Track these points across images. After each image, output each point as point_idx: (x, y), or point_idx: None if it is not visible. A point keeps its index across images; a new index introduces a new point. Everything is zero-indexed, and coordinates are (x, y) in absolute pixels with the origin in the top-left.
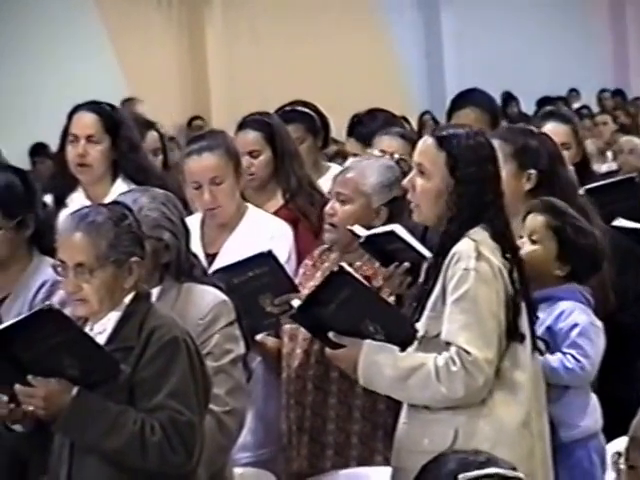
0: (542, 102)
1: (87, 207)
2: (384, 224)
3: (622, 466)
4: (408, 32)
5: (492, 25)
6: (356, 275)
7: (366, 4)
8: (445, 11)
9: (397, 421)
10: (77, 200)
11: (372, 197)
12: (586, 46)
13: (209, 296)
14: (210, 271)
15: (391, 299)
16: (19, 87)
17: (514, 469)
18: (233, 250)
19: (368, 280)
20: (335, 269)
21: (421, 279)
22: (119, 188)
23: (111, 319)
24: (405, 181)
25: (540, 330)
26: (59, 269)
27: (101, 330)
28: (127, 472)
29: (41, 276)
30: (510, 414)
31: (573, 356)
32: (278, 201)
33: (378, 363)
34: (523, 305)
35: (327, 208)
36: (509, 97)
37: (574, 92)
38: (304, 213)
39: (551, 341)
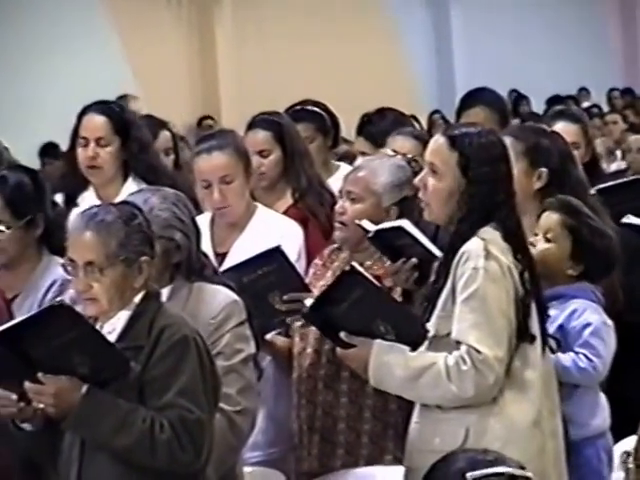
0: (552, 101)
1: (96, 206)
2: None
3: (631, 465)
4: (418, 31)
5: (501, 24)
6: (367, 275)
7: (375, 4)
8: (455, 10)
9: (408, 421)
10: (88, 199)
11: (383, 196)
12: (596, 45)
13: (220, 296)
14: (220, 270)
15: (398, 292)
16: (27, 86)
17: (522, 468)
18: (243, 249)
19: (379, 279)
20: (346, 269)
21: (432, 278)
22: (130, 188)
23: (121, 318)
24: (417, 180)
25: (552, 328)
26: (69, 268)
27: (111, 329)
28: (136, 471)
29: (51, 275)
30: (521, 413)
31: (586, 356)
32: (287, 200)
33: (388, 363)
34: (533, 305)
35: (337, 207)
36: (520, 96)
37: (584, 91)
38: (313, 212)
39: (563, 340)
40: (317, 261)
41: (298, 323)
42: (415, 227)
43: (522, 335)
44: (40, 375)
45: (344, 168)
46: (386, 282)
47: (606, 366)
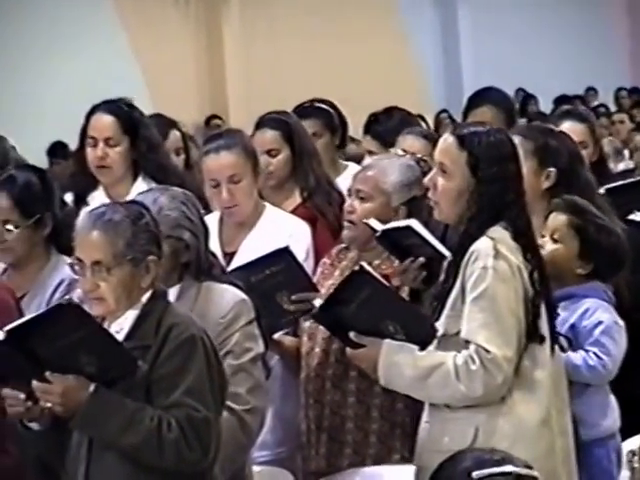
0: (559, 101)
1: (104, 206)
2: None
3: (636, 465)
4: (425, 31)
5: (509, 24)
6: (376, 275)
7: (383, 3)
8: (462, 10)
9: (415, 420)
10: (98, 199)
11: (392, 196)
12: (603, 44)
13: (229, 295)
14: (228, 269)
15: (405, 292)
16: (34, 85)
17: (529, 467)
18: (251, 249)
19: (387, 279)
20: (356, 269)
21: (441, 278)
22: (140, 187)
23: (128, 318)
24: (426, 179)
25: (564, 328)
26: (76, 267)
27: (118, 329)
28: (144, 469)
29: (59, 275)
30: (529, 412)
31: (596, 354)
32: (296, 200)
33: (398, 363)
34: (543, 305)
35: (346, 205)
36: (528, 96)
37: (592, 91)
38: (322, 212)
39: (574, 339)
40: (325, 260)
41: (307, 323)
42: (424, 227)
43: (531, 335)
44: (48, 374)
45: (352, 167)
46: (394, 281)
47: (616, 365)
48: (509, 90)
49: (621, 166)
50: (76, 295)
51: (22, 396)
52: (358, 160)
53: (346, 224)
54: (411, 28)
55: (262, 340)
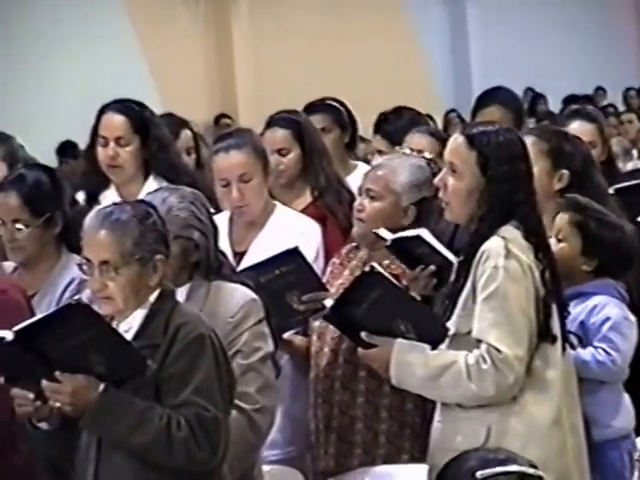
0: (568, 100)
1: (111, 205)
2: (412, 224)
3: None
4: (434, 30)
5: (518, 23)
6: (387, 275)
7: (393, 3)
8: (471, 9)
9: (424, 420)
10: (110, 198)
11: (401, 196)
12: (612, 44)
13: (238, 294)
14: (238, 269)
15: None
16: (43, 84)
17: (534, 467)
18: (261, 248)
19: (397, 279)
20: (366, 269)
21: (452, 278)
22: (151, 187)
23: (136, 317)
24: (437, 180)
25: (574, 325)
26: (84, 267)
27: (127, 328)
28: (153, 469)
29: (69, 274)
30: (541, 411)
31: (604, 350)
32: (306, 199)
33: (410, 363)
34: (554, 305)
35: (356, 204)
36: (537, 95)
37: (601, 90)
38: (332, 211)
39: (584, 336)
40: (335, 260)
41: (316, 323)
42: (433, 234)
43: (543, 335)
44: (57, 374)
45: (362, 167)
46: (404, 281)
47: (626, 361)
48: (518, 89)
49: (630, 166)
50: (86, 294)
51: (31, 396)
52: (366, 160)
53: (356, 221)
54: (420, 27)
55: (272, 339)
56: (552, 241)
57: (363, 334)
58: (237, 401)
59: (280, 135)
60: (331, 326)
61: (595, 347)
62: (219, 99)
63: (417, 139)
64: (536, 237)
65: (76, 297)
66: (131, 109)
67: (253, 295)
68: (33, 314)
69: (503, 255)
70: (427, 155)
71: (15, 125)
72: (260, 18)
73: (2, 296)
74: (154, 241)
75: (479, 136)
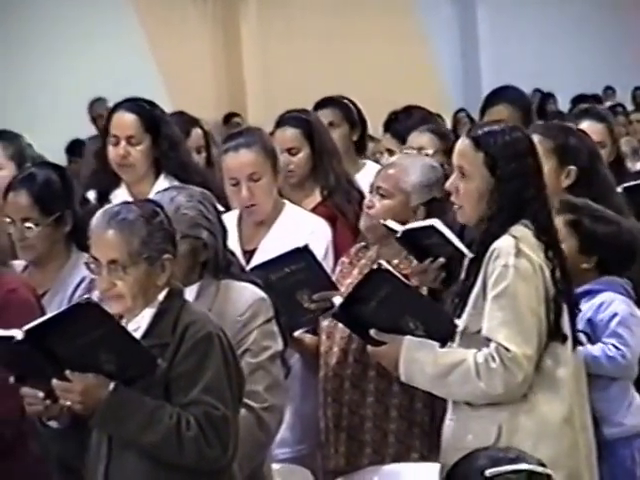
0: (577, 100)
1: (118, 205)
2: None
3: None
4: (444, 30)
5: (527, 23)
6: (395, 272)
7: (402, 4)
8: (481, 9)
9: (434, 419)
10: (121, 196)
11: (411, 195)
12: (621, 44)
13: (247, 293)
14: (248, 267)
15: (424, 292)
16: (52, 83)
17: (543, 465)
18: (271, 247)
19: (406, 278)
20: (374, 267)
21: (462, 276)
22: (162, 185)
23: (145, 316)
24: (448, 184)
25: (581, 323)
26: (92, 266)
27: (135, 327)
28: (164, 467)
29: (80, 273)
30: (552, 410)
31: (614, 345)
32: (316, 198)
33: (419, 360)
34: (564, 304)
35: (366, 200)
36: (546, 94)
37: (610, 90)
38: (342, 210)
39: (592, 333)
40: (344, 259)
41: (325, 322)
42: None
43: (554, 334)
44: (67, 373)
45: (370, 165)
46: (413, 281)
47: (635, 355)
48: (527, 89)
49: (639, 165)
50: (96, 293)
51: (41, 394)
52: (375, 159)
53: (364, 215)
54: (430, 28)
55: (281, 338)
56: None
57: (372, 331)
58: (246, 400)
59: (290, 134)
60: (340, 325)
61: (604, 343)
62: (227, 99)
63: (417, 137)
64: (546, 235)
65: (86, 296)
66: (142, 108)
67: (262, 294)
68: (43, 313)
69: (514, 254)
70: (428, 152)
71: (21, 124)
72: (269, 18)
73: (12, 295)
74: (162, 240)
75: (485, 137)
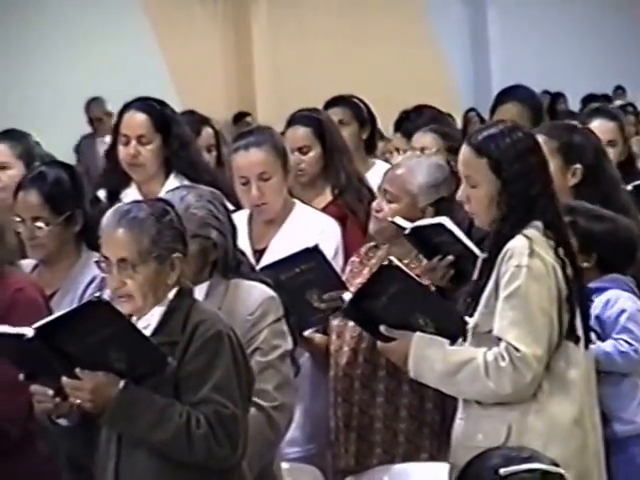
0: (587, 99)
1: (128, 204)
2: None
3: None
4: (454, 31)
5: (538, 23)
6: (405, 269)
7: (413, 5)
8: (491, 9)
9: (444, 419)
10: (131, 195)
11: (418, 197)
12: (631, 43)
13: (257, 292)
14: (258, 267)
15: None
16: (60, 83)
17: (556, 465)
18: (281, 246)
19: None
20: (384, 263)
21: (475, 275)
22: (172, 185)
23: (155, 314)
24: (459, 195)
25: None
26: (102, 265)
27: (145, 325)
28: (174, 466)
29: (90, 272)
30: (563, 411)
31: (625, 341)
32: (326, 197)
33: (429, 358)
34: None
35: (374, 204)
36: (556, 94)
37: (620, 90)
38: (352, 210)
39: (601, 330)
40: (354, 258)
41: (335, 321)
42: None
43: (567, 335)
44: (77, 371)
45: (379, 165)
46: (423, 280)
47: None
48: (537, 89)
49: None
50: (107, 292)
51: (50, 392)
52: (385, 158)
53: (373, 218)
54: (440, 28)
55: (291, 337)
56: None
57: (382, 327)
58: (255, 398)
59: (301, 133)
60: (350, 325)
61: (615, 339)
62: (237, 99)
63: (420, 137)
64: (556, 231)
65: (97, 294)
66: (153, 107)
67: (272, 293)
68: (50, 313)
69: (527, 254)
70: (432, 151)
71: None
72: (280, 19)
73: (20, 294)
74: (171, 239)
75: (485, 142)
